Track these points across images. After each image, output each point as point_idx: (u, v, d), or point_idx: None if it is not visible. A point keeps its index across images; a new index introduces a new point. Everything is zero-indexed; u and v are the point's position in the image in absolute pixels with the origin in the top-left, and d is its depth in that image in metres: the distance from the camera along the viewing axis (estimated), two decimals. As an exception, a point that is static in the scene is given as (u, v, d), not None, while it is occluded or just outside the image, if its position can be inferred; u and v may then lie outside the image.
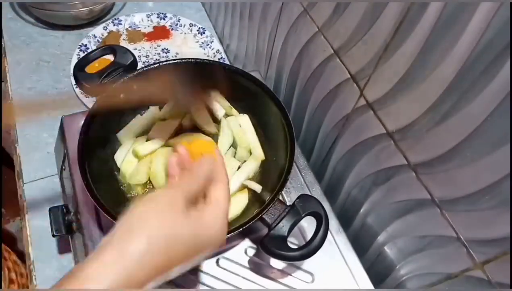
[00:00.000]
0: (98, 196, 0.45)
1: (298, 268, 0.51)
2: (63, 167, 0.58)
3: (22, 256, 0.84)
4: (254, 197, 0.54)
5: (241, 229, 0.45)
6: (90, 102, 0.74)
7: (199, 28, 0.93)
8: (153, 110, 0.59)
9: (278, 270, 0.50)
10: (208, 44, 0.91)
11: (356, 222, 0.59)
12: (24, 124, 0.74)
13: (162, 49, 0.89)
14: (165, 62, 0.57)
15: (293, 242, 0.52)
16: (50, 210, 0.56)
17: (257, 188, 0.53)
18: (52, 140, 0.72)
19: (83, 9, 0.86)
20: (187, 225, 0.32)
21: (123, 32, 0.90)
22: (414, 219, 0.47)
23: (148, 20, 0.94)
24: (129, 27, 0.92)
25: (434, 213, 0.43)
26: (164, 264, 0.30)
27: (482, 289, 0.40)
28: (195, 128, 0.59)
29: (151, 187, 0.54)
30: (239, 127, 0.58)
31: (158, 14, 0.94)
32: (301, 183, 0.58)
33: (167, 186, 0.38)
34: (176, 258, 0.31)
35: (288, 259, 0.47)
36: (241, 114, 0.59)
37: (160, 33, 0.92)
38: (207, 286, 0.48)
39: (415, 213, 0.46)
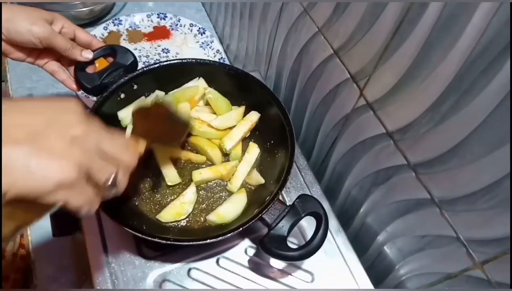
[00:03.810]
0: None
1: (298, 267, 0.51)
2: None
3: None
4: (254, 196, 0.54)
5: (241, 228, 0.45)
6: (90, 102, 0.74)
7: (199, 28, 0.93)
8: (158, 94, 0.60)
9: (278, 269, 0.50)
10: (208, 44, 0.91)
11: (356, 222, 0.59)
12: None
13: (163, 49, 0.90)
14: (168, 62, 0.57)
15: (293, 241, 0.52)
16: (50, 209, 0.56)
17: (261, 179, 0.55)
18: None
19: (83, 9, 0.86)
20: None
21: (123, 32, 0.91)
22: (414, 218, 0.47)
23: (148, 20, 0.94)
24: (130, 27, 0.92)
25: (433, 212, 0.43)
26: None
27: (481, 289, 0.40)
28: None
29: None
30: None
31: (158, 14, 0.94)
32: (301, 182, 0.58)
33: None
34: None
35: (288, 259, 0.47)
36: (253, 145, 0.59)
37: (160, 33, 0.92)
38: (207, 285, 0.48)
39: (415, 212, 0.46)
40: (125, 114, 0.56)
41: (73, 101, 0.32)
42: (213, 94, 0.59)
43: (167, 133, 0.48)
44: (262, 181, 0.55)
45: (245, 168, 0.56)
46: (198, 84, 0.60)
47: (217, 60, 0.87)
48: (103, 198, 0.33)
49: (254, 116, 0.59)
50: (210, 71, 0.59)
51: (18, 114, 0.29)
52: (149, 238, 0.44)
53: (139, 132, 0.44)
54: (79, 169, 0.29)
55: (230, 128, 0.58)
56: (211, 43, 0.91)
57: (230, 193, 0.55)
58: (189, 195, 0.53)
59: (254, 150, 0.57)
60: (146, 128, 0.44)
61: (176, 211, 0.51)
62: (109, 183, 0.32)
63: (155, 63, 0.57)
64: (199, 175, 0.54)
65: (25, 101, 0.31)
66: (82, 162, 0.29)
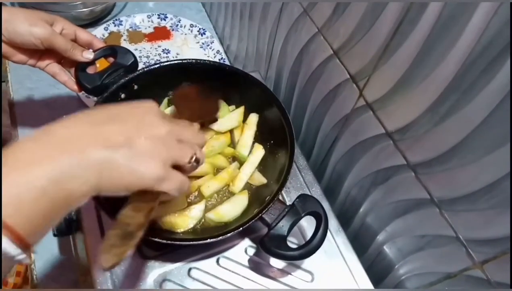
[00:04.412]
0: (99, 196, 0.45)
1: (298, 267, 0.51)
2: (64, 167, 0.58)
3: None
4: (254, 196, 0.54)
5: (241, 228, 0.45)
6: (91, 102, 0.75)
7: (200, 29, 0.93)
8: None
9: (278, 269, 0.50)
10: (209, 45, 0.91)
11: (355, 222, 0.59)
12: (24, 124, 0.74)
13: (163, 49, 0.90)
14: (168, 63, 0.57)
15: (292, 241, 0.52)
16: (51, 209, 0.56)
17: (263, 179, 0.55)
18: (53, 140, 0.72)
19: (84, 9, 0.86)
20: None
21: (123, 33, 0.91)
22: (413, 218, 0.47)
23: (149, 21, 0.94)
24: (130, 27, 0.92)
25: (433, 212, 0.43)
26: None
27: (481, 289, 0.40)
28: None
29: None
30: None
31: (158, 15, 0.94)
32: (300, 182, 0.58)
33: None
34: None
35: (288, 259, 0.47)
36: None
37: (161, 33, 0.92)
38: (207, 285, 0.48)
39: (414, 212, 0.46)
40: None
41: (150, 103, 0.38)
42: None
43: (205, 109, 0.54)
44: (265, 180, 0.55)
45: (248, 169, 0.56)
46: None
47: (217, 60, 0.87)
48: (191, 173, 0.39)
49: (254, 118, 0.59)
50: (210, 72, 0.59)
51: (115, 124, 0.34)
52: (149, 238, 0.44)
53: (185, 114, 0.48)
54: (166, 162, 0.35)
55: (231, 130, 0.58)
56: (211, 43, 0.91)
57: (232, 194, 0.55)
58: (196, 211, 0.51)
59: (258, 151, 0.57)
60: (188, 109, 0.49)
61: (178, 221, 0.50)
62: (192, 161, 0.37)
63: (155, 64, 0.57)
64: (207, 189, 0.54)
65: (114, 110, 0.36)
66: (167, 156, 0.35)
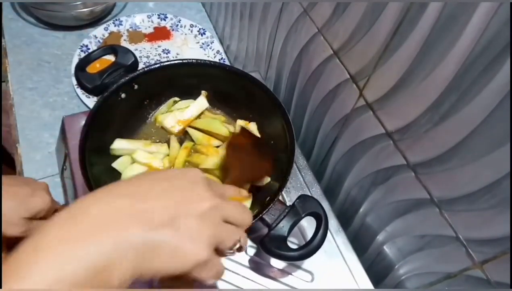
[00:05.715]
0: None
1: (298, 267, 0.51)
2: (64, 167, 0.58)
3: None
4: (254, 197, 0.54)
5: (241, 228, 0.45)
6: (91, 102, 0.75)
7: (200, 29, 0.93)
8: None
9: (278, 269, 0.50)
10: (209, 45, 0.91)
11: (355, 222, 0.59)
12: (24, 124, 0.74)
13: (163, 49, 0.90)
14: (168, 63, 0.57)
15: (293, 241, 0.52)
16: (51, 209, 0.56)
17: (267, 179, 0.54)
18: (53, 140, 0.72)
19: (84, 9, 0.86)
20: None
21: (124, 33, 0.91)
22: (413, 218, 0.47)
23: (149, 21, 0.94)
24: (130, 27, 0.92)
25: (433, 212, 0.43)
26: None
27: (481, 289, 0.40)
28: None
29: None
30: None
31: (158, 15, 0.94)
32: (300, 183, 0.58)
33: None
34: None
35: (288, 259, 0.47)
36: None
37: (161, 33, 0.92)
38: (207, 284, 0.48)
39: (414, 212, 0.46)
40: (119, 145, 0.55)
41: (196, 171, 0.34)
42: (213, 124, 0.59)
43: (257, 169, 0.49)
44: (268, 179, 0.55)
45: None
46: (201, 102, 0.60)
47: (217, 60, 0.87)
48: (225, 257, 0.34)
49: (254, 126, 0.59)
50: (210, 72, 0.59)
51: (159, 199, 0.30)
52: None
53: (235, 171, 0.46)
54: (211, 246, 0.31)
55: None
56: (211, 43, 0.91)
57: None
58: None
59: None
60: (238, 165, 0.46)
61: None
62: (234, 249, 0.33)
63: (155, 64, 0.57)
64: None
65: (157, 180, 0.32)
66: (212, 238, 0.31)
